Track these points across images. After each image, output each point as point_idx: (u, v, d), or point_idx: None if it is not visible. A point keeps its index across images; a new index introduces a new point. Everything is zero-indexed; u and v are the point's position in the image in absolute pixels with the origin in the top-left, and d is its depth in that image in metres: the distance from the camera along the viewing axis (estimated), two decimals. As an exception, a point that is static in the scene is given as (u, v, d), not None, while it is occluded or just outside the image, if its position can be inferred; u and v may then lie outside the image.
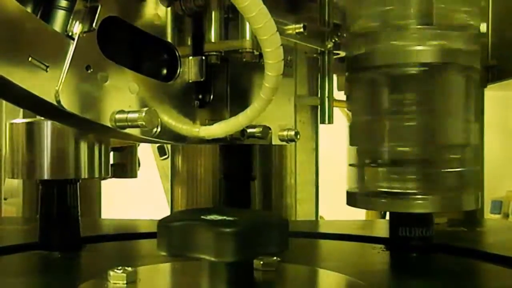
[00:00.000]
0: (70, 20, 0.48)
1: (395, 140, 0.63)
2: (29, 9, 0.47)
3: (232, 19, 0.60)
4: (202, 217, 0.41)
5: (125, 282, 0.47)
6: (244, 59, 0.59)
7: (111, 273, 0.47)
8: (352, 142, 0.67)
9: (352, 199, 0.66)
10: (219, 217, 0.41)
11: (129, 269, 0.47)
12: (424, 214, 0.63)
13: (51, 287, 0.54)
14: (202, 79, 0.59)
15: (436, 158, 0.62)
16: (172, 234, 0.41)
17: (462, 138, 0.63)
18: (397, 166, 0.62)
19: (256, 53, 0.58)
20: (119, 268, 0.48)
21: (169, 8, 0.57)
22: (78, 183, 0.68)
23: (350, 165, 0.67)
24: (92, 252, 0.68)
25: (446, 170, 0.61)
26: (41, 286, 0.55)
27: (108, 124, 0.51)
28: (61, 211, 0.66)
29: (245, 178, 0.77)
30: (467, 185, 0.63)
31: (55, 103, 0.47)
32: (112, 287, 0.47)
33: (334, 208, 1.06)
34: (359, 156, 0.66)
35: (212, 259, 0.39)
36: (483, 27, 0.65)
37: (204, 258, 0.40)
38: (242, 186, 0.78)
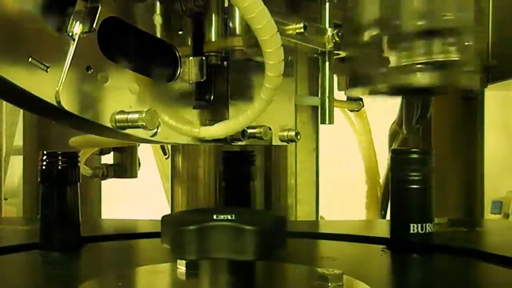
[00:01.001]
0: (71, 20, 0.48)
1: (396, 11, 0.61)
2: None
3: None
4: (214, 217, 0.41)
5: None
6: (233, 58, 0.59)
7: None
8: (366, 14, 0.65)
9: (355, 80, 0.64)
10: (229, 217, 0.41)
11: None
12: (424, 210, 0.63)
13: (51, 287, 0.54)
14: (202, 80, 0.59)
15: (442, 32, 0.60)
16: (190, 238, 0.39)
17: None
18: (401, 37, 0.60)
19: (245, 50, 0.58)
20: None
21: (169, 9, 0.57)
22: (78, 183, 0.68)
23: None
24: (93, 252, 0.68)
25: (450, 46, 0.60)
26: (42, 286, 0.55)
27: (109, 124, 0.51)
28: (61, 211, 0.66)
29: (244, 180, 0.77)
30: (470, 64, 0.61)
31: (55, 103, 0.47)
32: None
33: (335, 209, 1.06)
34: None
35: (237, 259, 0.39)
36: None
37: (227, 259, 0.40)
38: (241, 187, 0.78)
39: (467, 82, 0.64)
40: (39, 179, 0.67)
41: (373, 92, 0.73)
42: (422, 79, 0.64)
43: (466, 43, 0.63)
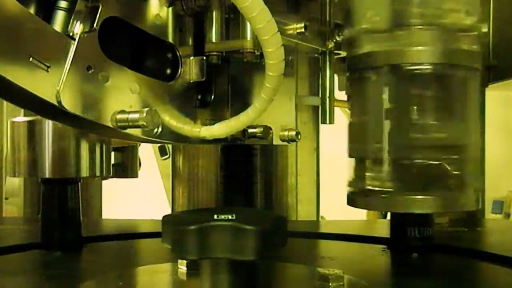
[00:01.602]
0: (71, 20, 0.48)
1: (392, 140, 0.62)
2: (31, 10, 0.47)
3: (233, 19, 0.60)
4: (214, 217, 0.41)
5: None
6: (245, 59, 0.59)
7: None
8: (350, 141, 0.67)
9: (352, 200, 0.66)
10: (230, 217, 0.41)
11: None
12: (425, 214, 0.63)
13: (52, 287, 0.54)
14: (203, 79, 0.59)
15: (435, 158, 0.62)
16: (191, 237, 0.40)
17: (461, 138, 0.63)
18: (394, 166, 0.62)
19: (257, 53, 0.58)
20: None
21: (170, 8, 0.57)
22: (79, 183, 0.68)
23: (350, 163, 0.67)
24: (93, 252, 0.68)
25: (446, 170, 0.61)
26: (43, 286, 0.55)
27: (109, 124, 0.51)
28: (62, 211, 0.66)
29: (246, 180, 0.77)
30: (467, 185, 0.63)
31: (56, 103, 0.47)
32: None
33: (335, 208, 1.06)
34: (358, 155, 0.66)
35: (238, 258, 0.39)
36: (484, 28, 0.64)
37: (228, 258, 0.40)
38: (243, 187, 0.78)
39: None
40: (39, 179, 0.67)
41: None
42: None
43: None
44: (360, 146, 0.66)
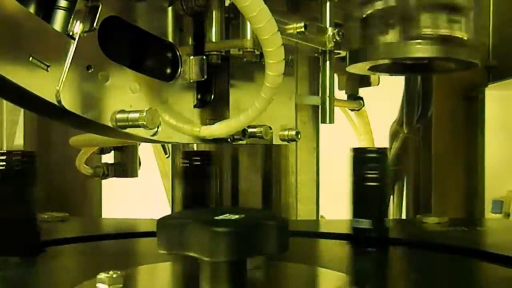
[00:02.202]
0: (71, 19, 0.48)
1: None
2: (31, 10, 0.47)
3: (233, 19, 0.60)
4: (202, 216, 0.41)
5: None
6: (245, 59, 0.59)
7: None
8: None
9: (354, 54, 0.65)
10: (220, 217, 0.41)
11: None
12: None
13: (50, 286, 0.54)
14: (203, 79, 0.59)
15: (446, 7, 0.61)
16: (169, 232, 0.41)
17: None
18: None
19: (257, 52, 0.58)
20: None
21: (170, 8, 0.57)
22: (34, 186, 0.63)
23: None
24: (94, 251, 0.68)
25: (450, 20, 0.61)
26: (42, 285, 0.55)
27: (109, 124, 0.51)
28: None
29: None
30: (471, 40, 0.61)
31: (55, 102, 0.47)
32: None
33: (335, 208, 1.06)
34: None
35: (205, 258, 0.40)
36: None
37: (198, 257, 0.40)
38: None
39: (467, 57, 0.64)
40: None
41: (373, 69, 0.73)
42: (423, 51, 0.64)
43: (468, 20, 0.63)
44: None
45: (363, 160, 0.65)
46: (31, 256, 0.61)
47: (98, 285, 0.45)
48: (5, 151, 0.61)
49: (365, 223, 0.65)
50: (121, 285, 0.46)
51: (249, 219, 0.43)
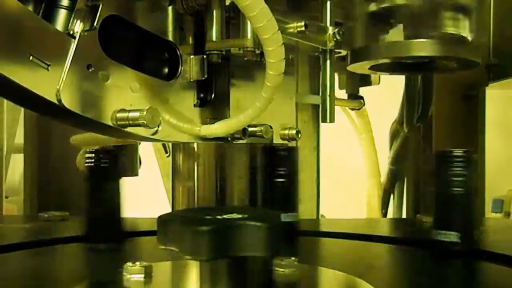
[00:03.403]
0: (72, 18, 0.48)
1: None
2: (31, 9, 0.47)
3: (233, 18, 0.60)
4: (195, 214, 0.41)
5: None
6: (245, 58, 0.59)
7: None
8: None
9: (356, 54, 0.65)
10: (210, 216, 0.41)
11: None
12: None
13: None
14: (203, 78, 0.59)
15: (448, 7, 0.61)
16: (163, 228, 0.42)
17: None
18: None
19: (258, 51, 0.58)
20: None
21: (170, 7, 0.57)
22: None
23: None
24: (94, 250, 0.68)
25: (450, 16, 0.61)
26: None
27: (109, 123, 0.51)
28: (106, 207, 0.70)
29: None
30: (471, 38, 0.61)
31: (56, 102, 0.47)
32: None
33: (335, 207, 1.06)
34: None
35: (187, 256, 0.41)
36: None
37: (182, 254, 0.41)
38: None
39: (469, 55, 0.64)
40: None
41: (374, 68, 0.73)
42: (425, 50, 0.63)
43: (470, 18, 0.63)
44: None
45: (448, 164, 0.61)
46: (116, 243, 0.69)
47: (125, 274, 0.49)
48: (93, 150, 0.69)
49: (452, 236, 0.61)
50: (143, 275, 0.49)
51: (239, 219, 0.42)
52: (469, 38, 0.63)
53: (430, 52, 0.63)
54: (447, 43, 0.63)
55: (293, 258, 0.51)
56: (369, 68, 0.73)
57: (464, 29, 0.64)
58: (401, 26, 0.63)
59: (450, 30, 0.63)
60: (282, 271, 0.50)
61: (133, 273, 0.49)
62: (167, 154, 1.28)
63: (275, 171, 0.67)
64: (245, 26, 0.58)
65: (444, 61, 0.70)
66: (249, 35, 0.58)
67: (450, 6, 0.63)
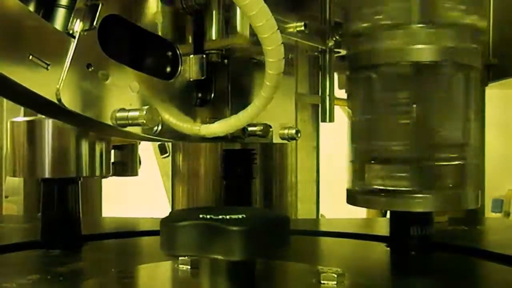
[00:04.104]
0: (71, 18, 0.48)
1: (393, 138, 0.62)
2: (31, 8, 0.47)
3: (233, 17, 0.60)
4: (207, 216, 0.41)
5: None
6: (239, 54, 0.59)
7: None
8: (352, 140, 0.67)
9: (352, 198, 0.66)
10: (224, 216, 0.41)
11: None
12: (424, 213, 0.63)
13: (54, 286, 0.54)
14: (203, 77, 0.59)
15: (435, 157, 0.62)
16: (179, 234, 0.40)
17: (461, 137, 0.63)
18: (395, 164, 0.62)
19: (252, 49, 0.58)
20: None
21: (169, 6, 0.57)
22: (79, 182, 0.68)
23: (350, 161, 0.67)
24: (93, 250, 0.68)
25: (445, 168, 0.61)
26: (45, 285, 0.55)
27: (109, 122, 0.51)
28: (62, 210, 0.67)
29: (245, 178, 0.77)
30: (467, 184, 0.62)
31: (56, 101, 0.47)
32: None
33: (335, 207, 1.06)
34: (359, 154, 0.66)
35: (223, 258, 0.39)
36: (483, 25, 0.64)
37: (214, 258, 0.39)
38: (243, 186, 0.78)
39: (469, 60, 0.64)
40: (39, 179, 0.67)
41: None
42: (425, 56, 0.63)
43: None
44: (359, 145, 0.66)
45: None
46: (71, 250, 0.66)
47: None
48: None
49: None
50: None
51: (256, 217, 0.42)
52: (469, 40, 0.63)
53: (430, 57, 0.63)
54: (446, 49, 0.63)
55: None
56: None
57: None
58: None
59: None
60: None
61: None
62: (167, 154, 1.29)
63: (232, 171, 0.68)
64: (235, 21, 0.58)
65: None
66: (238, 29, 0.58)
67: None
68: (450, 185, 0.62)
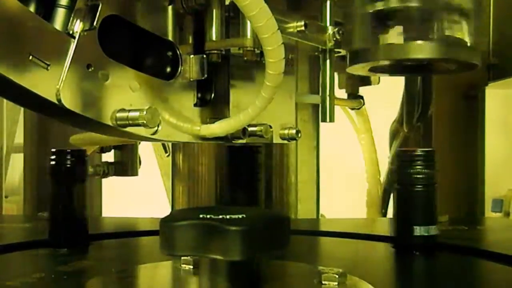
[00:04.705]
0: (71, 18, 0.48)
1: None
2: (31, 8, 0.47)
3: (233, 18, 0.60)
4: (206, 215, 0.41)
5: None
6: (245, 58, 0.59)
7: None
8: None
9: (354, 55, 0.64)
10: (224, 216, 0.41)
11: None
12: (428, 212, 0.63)
13: (59, 285, 0.54)
14: (203, 78, 0.59)
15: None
16: (179, 234, 0.40)
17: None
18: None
19: (257, 51, 0.58)
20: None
21: (170, 7, 0.57)
22: (85, 182, 0.69)
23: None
24: (94, 249, 0.68)
25: (449, 19, 0.60)
26: (49, 284, 0.55)
27: (109, 122, 0.51)
28: (69, 209, 0.67)
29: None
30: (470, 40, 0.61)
31: (56, 101, 0.47)
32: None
33: (335, 207, 1.06)
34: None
35: (221, 258, 0.39)
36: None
37: (214, 258, 0.39)
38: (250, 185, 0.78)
39: (468, 57, 0.64)
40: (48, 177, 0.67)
41: (373, 69, 0.73)
42: (423, 52, 0.63)
43: (469, 20, 0.63)
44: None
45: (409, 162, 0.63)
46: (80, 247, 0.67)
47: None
48: (56, 150, 0.67)
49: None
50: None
51: (256, 216, 0.42)
52: (469, 40, 0.63)
53: (429, 54, 0.63)
54: (446, 45, 0.63)
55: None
56: (369, 70, 0.73)
57: (462, 31, 0.64)
58: (400, 27, 0.62)
59: (449, 32, 0.63)
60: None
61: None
62: (167, 154, 1.29)
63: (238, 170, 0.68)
64: (244, 25, 0.58)
65: (443, 63, 0.70)
66: (248, 34, 0.58)
67: (449, 9, 0.62)
68: (452, 36, 0.60)
